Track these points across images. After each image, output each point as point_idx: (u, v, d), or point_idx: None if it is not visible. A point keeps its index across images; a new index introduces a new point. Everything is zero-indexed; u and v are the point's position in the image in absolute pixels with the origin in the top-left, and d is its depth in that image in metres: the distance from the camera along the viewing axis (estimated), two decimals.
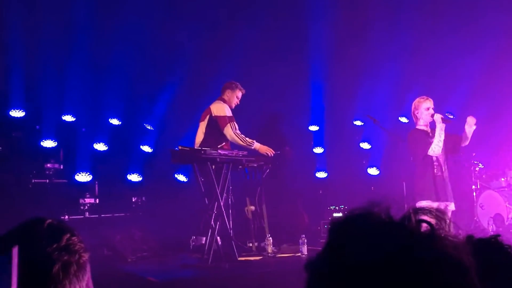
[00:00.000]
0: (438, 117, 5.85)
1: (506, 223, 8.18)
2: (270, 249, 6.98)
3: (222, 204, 6.51)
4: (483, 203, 8.53)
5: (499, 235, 1.42)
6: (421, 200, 5.81)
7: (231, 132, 6.74)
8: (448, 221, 1.03)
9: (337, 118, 10.40)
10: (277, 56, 9.93)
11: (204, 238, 6.44)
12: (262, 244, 7.20)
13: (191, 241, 7.13)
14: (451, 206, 5.97)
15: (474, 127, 6.09)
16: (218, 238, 6.44)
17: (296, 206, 8.97)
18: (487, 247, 1.32)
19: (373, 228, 0.98)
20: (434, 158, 5.92)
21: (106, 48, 9.39)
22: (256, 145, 6.84)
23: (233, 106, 7.03)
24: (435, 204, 5.76)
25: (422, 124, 6.00)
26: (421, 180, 5.95)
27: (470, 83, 9.92)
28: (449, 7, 9.68)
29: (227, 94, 7.01)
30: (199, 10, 9.55)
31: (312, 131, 10.53)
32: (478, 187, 8.84)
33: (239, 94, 7.07)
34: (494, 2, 9.25)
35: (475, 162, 9.10)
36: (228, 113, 6.86)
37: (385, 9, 9.89)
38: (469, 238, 1.28)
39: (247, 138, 6.81)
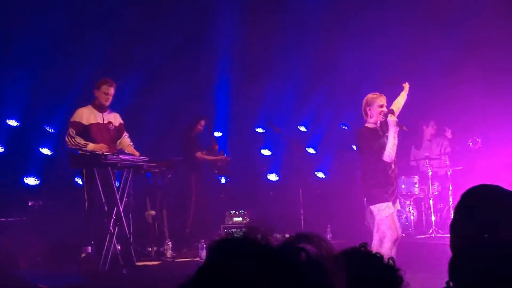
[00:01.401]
0: (393, 119, 5.25)
1: None
2: (169, 253, 6.77)
3: (121, 209, 6.22)
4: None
5: (366, 243, 1.49)
6: (375, 203, 5.19)
7: (66, 138, 6.31)
8: (327, 245, 1.03)
9: (239, 124, 10.35)
10: (181, 62, 9.69)
11: (90, 247, 6.08)
12: (162, 249, 6.96)
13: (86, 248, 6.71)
14: (397, 205, 5.44)
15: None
16: (116, 243, 6.14)
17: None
18: (356, 257, 1.40)
19: (247, 255, 0.95)
20: (391, 166, 5.32)
21: (5, 46, 8.72)
22: (90, 145, 6.33)
23: (106, 103, 6.52)
24: (389, 205, 5.18)
25: (372, 122, 5.35)
26: (371, 183, 5.27)
27: (365, 92, 10.21)
28: (348, 17, 9.89)
29: (96, 95, 6.54)
30: (108, 15, 9.11)
31: (215, 136, 10.39)
32: None
33: (107, 89, 6.48)
34: (395, 10, 9.51)
35: None
36: (73, 118, 6.39)
37: (288, 19, 9.96)
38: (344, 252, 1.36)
39: (81, 142, 6.27)
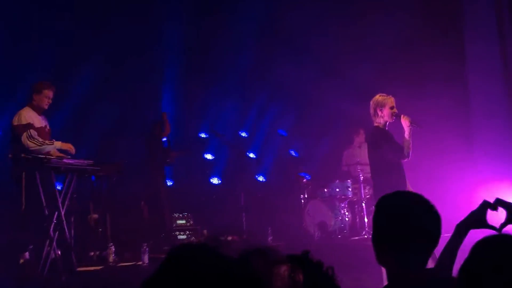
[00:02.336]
0: (407, 119, 4.96)
1: (329, 229, 8.49)
2: (111, 258, 6.44)
3: (63, 213, 5.88)
4: (310, 211, 8.77)
5: (308, 251, 1.45)
6: None
7: (27, 141, 5.88)
8: (278, 257, 1.08)
9: (184, 129, 10.16)
10: (127, 64, 9.33)
11: (27, 253, 5.69)
12: (104, 253, 6.63)
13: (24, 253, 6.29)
14: None
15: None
16: (57, 248, 5.79)
17: (141, 214, 8.52)
18: (302, 263, 1.38)
19: (206, 265, 0.94)
20: (402, 163, 5.05)
21: None
22: (57, 143, 6.07)
23: (46, 107, 6.19)
24: None
25: (381, 123, 5.06)
26: (384, 185, 4.85)
27: (301, 101, 10.31)
28: (285, 27, 9.87)
29: (35, 98, 6.11)
30: (53, 19, 8.67)
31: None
32: (306, 196, 9.11)
33: (49, 93, 6.14)
34: (331, 20, 9.55)
35: (303, 174, 9.41)
36: (25, 120, 5.96)
37: (229, 27, 9.87)
38: (289, 257, 1.34)
39: (46, 141, 6.00)
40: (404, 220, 1.81)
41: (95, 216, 7.38)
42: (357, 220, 8.66)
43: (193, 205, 9.06)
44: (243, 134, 10.73)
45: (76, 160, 6.14)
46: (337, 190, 8.63)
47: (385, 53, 9.04)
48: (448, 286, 1.62)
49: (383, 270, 4.52)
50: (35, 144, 5.88)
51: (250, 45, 9.95)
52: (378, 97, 5.11)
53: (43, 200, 5.78)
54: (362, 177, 8.51)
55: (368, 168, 8.73)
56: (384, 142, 5.01)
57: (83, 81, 8.74)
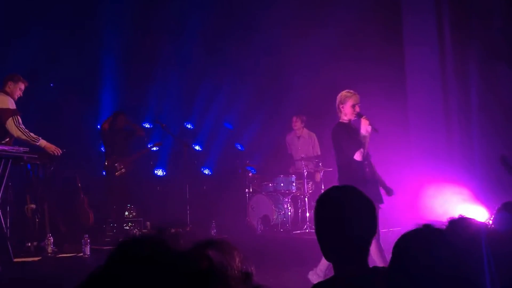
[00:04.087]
0: (366, 121, 4.99)
1: (272, 223, 8.72)
2: (50, 249, 6.39)
3: None
4: (254, 205, 8.97)
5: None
6: None
7: (13, 126, 5.92)
8: (234, 253, 1.00)
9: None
10: (68, 55, 9.12)
11: None
12: (42, 244, 6.56)
13: None
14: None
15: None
16: None
17: (81, 205, 8.41)
18: None
19: (158, 259, 0.89)
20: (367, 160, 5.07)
21: None
22: (42, 142, 6.09)
23: (16, 98, 6.20)
24: None
25: (346, 120, 5.14)
26: (349, 182, 5.02)
27: (247, 98, 10.43)
28: (231, 18, 9.94)
29: (10, 86, 6.15)
30: None
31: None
32: (251, 191, 9.30)
33: (22, 86, 6.25)
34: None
35: (249, 168, 9.58)
36: (12, 105, 6.01)
37: (175, 17, 9.85)
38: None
39: (31, 133, 6.05)
40: (342, 212, 1.91)
41: (32, 206, 7.23)
42: (299, 214, 8.94)
43: (136, 196, 9.04)
44: (189, 126, 10.74)
45: (11, 147, 6.00)
46: (282, 184, 8.86)
47: (328, 49, 9.22)
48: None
49: (323, 261, 4.78)
50: (22, 133, 5.92)
51: (195, 33, 9.93)
52: (342, 93, 5.15)
53: None
54: (306, 173, 8.77)
55: (311, 164, 9.07)
56: (343, 140, 5.06)
57: (20, 66, 8.52)
